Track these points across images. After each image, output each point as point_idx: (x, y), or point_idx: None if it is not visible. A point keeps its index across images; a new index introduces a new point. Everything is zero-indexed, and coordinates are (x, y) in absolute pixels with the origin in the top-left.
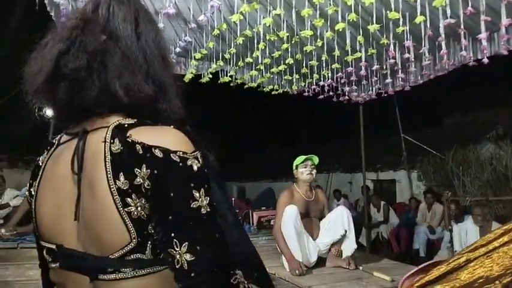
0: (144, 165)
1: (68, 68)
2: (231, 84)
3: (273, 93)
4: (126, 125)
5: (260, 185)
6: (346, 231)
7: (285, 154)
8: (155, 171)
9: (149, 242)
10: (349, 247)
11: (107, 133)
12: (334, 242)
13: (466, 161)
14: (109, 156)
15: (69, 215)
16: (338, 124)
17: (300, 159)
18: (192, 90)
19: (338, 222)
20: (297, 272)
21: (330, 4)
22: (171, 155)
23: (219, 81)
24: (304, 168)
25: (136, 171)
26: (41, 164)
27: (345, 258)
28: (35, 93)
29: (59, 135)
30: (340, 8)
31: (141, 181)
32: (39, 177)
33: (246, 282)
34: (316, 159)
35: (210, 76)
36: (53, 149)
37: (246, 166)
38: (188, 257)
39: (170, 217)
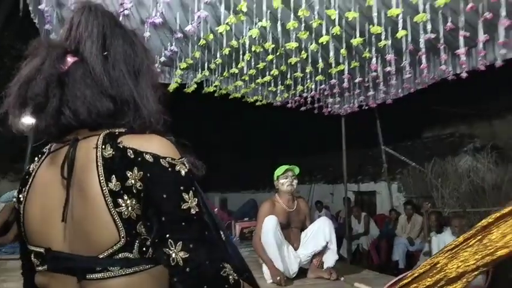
0: (135, 168)
1: (28, 94)
2: (215, 94)
3: (257, 104)
4: (116, 133)
5: (242, 195)
6: (327, 242)
7: (267, 165)
8: (148, 174)
9: (137, 241)
10: (330, 258)
11: (98, 140)
12: (316, 252)
13: (444, 173)
14: (101, 160)
15: (57, 218)
16: (320, 135)
17: (280, 169)
18: (175, 99)
19: (320, 233)
20: (278, 278)
21: (314, 17)
22: (161, 160)
23: (203, 91)
24: (285, 179)
25: (128, 173)
26: (31, 171)
27: (326, 269)
28: (12, 116)
29: (49, 145)
30: (324, 22)
31: (133, 182)
32: (29, 184)
33: (235, 274)
34: (297, 170)
35: (195, 86)
36: (44, 157)
37: (228, 176)
38: (182, 254)
39: (163, 218)
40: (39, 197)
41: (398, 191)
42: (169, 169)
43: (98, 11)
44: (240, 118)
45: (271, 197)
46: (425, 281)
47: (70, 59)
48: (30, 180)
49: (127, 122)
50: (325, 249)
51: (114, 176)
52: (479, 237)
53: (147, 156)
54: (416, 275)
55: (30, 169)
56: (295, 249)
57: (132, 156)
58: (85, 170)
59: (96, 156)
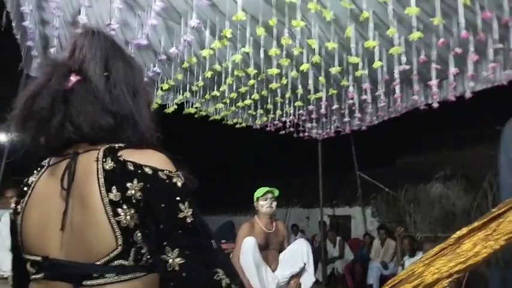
0: (135, 179)
1: (34, 108)
2: (196, 116)
3: (236, 126)
4: (116, 147)
5: (219, 218)
6: (305, 263)
7: (244, 188)
8: (147, 185)
9: (133, 249)
10: (308, 280)
11: (99, 154)
12: (293, 274)
13: (416, 199)
14: (102, 172)
15: (56, 227)
16: (297, 160)
17: (260, 191)
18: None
19: (297, 254)
20: None
21: (295, 46)
22: (159, 172)
23: (183, 112)
24: (264, 200)
25: (128, 184)
26: (30, 183)
27: None
28: (15, 130)
29: (49, 158)
30: (305, 50)
31: (133, 192)
32: (27, 195)
33: (227, 279)
34: (276, 192)
35: (176, 107)
36: (43, 170)
37: (204, 199)
38: (179, 260)
39: (162, 226)
40: (37, 207)
41: (372, 215)
42: (167, 181)
43: (101, 35)
44: (218, 141)
45: (250, 219)
46: (404, 287)
47: (73, 78)
48: (29, 191)
49: (126, 137)
50: (302, 270)
51: (114, 186)
52: (453, 247)
53: (147, 169)
54: (396, 281)
55: (29, 181)
56: (273, 270)
57: (132, 168)
58: (86, 182)
59: (97, 168)
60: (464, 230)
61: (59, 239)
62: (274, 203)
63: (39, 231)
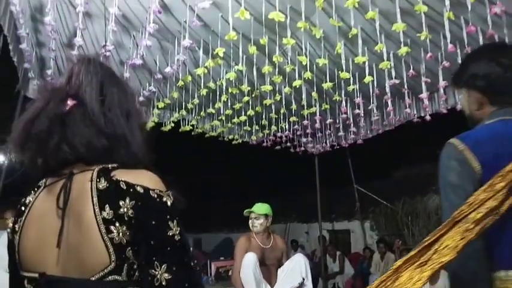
0: (128, 198)
1: (33, 130)
2: (192, 133)
3: (233, 142)
4: (109, 168)
5: (217, 236)
6: (304, 278)
7: (241, 205)
8: (139, 203)
9: (125, 265)
10: None
11: (93, 174)
12: None
13: (414, 211)
14: (95, 192)
15: (52, 244)
16: (294, 175)
17: (245, 212)
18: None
19: (296, 269)
20: None
21: (287, 63)
22: (150, 191)
23: (180, 130)
24: (250, 220)
25: (121, 202)
26: (27, 203)
27: None
28: (14, 151)
29: (45, 179)
30: (296, 67)
31: (125, 210)
32: (25, 214)
33: None
34: (258, 209)
35: (172, 125)
36: (40, 190)
37: (201, 217)
38: (166, 275)
39: (152, 242)
40: (35, 226)
41: (371, 229)
42: (158, 199)
43: (96, 63)
44: (215, 158)
45: (248, 233)
46: None
47: (70, 102)
48: (27, 211)
49: (119, 157)
50: (301, 285)
51: (107, 205)
52: (392, 279)
53: (138, 188)
54: None
55: (27, 201)
56: (272, 286)
57: (125, 187)
58: (80, 201)
59: (91, 188)
60: (401, 261)
61: (55, 256)
62: (260, 221)
63: (37, 249)
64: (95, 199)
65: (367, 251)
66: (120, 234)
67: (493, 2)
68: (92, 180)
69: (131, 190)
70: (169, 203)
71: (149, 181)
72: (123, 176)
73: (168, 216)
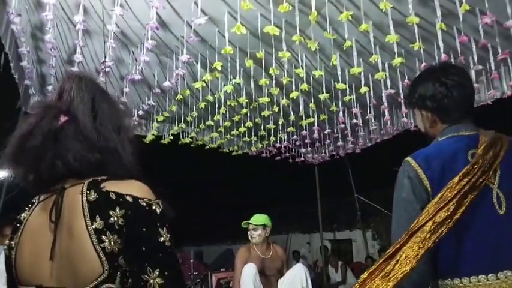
0: (117, 207)
1: (27, 146)
2: (192, 145)
3: (233, 154)
4: (99, 180)
5: (218, 248)
6: None
7: (241, 216)
8: (129, 212)
9: (118, 273)
10: None
11: (83, 187)
12: None
13: None
14: (86, 204)
15: (46, 257)
16: (295, 185)
17: (243, 224)
18: (147, 151)
19: (297, 280)
20: None
21: (284, 75)
22: (139, 200)
23: (179, 143)
24: (248, 231)
25: (111, 212)
26: (22, 219)
27: None
28: (8, 166)
29: (39, 195)
30: (293, 79)
31: (116, 219)
32: (20, 231)
33: None
34: (255, 220)
35: (172, 137)
36: (34, 206)
37: (202, 229)
38: (159, 280)
39: (144, 248)
40: (29, 241)
41: (373, 238)
42: (147, 208)
43: (87, 80)
44: (215, 171)
45: (247, 244)
46: None
47: (62, 118)
48: (22, 227)
49: (111, 170)
50: None
51: (98, 216)
52: None
53: (127, 197)
54: None
55: (22, 217)
56: None
57: (114, 197)
58: (72, 214)
59: (82, 200)
60: (366, 274)
61: (49, 269)
62: (256, 232)
63: (32, 263)
64: (86, 211)
65: (369, 260)
66: (112, 243)
67: (483, 12)
68: (82, 193)
69: (120, 200)
70: (158, 211)
71: (138, 190)
72: (112, 186)
73: (158, 224)
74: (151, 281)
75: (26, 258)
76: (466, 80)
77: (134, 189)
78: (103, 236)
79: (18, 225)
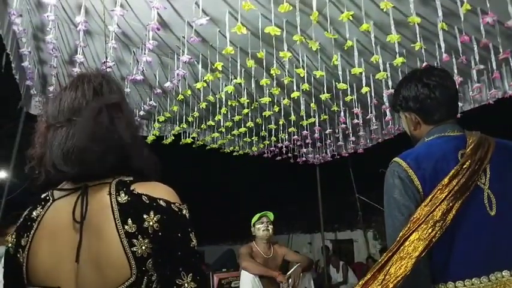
0: (152, 212)
1: (75, 151)
2: (193, 146)
3: (234, 154)
4: (128, 181)
5: (220, 248)
6: None
7: (244, 216)
8: (164, 217)
9: (145, 277)
10: None
11: (110, 187)
12: None
13: None
14: (116, 205)
15: (70, 259)
16: (296, 185)
17: (256, 216)
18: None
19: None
20: None
21: (285, 75)
22: (172, 205)
23: (180, 143)
24: (260, 224)
25: (145, 216)
26: (35, 217)
27: None
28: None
29: (49, 192)
30: (294, 79)
31: (151, 224)
32: (33, 229)
33: None
34: (271, 216)
35: (173, 138)
36: (49, 204)
37: (203, 229)
38: (192, 284)
39: (179, 253)
40: (48, 241)
41: (374, 238)
42: (179, 213)
43: (101, 78)
44: (216, 171)
45: (249, 243)
46: None
47: (77, 118)
48: (35, 225)
49: (132, 171)
50: None
51: (130, 219)
52: None
53: (161, 202)
54: None
55: (33, 215)
56: None
57: (148, 201)
58: (100, 214)
59: (111, 201)
60: (360, 285)
61: (72, 271)
62: (271, 226)
63: (52, 264)
64: (116, 213)
65: (370, 261)
66: (143, 247)
67: (485, 12)
68: (110, 194)
69: (154, 204)
70: (187, 216)
71: (168, 194)
72: (143, 189)
73: (189, 229)
74: (186, 285)
75: (45, 259)
76: (448, 81)
77: (164, 193)
78: (134, 240)
79: (29, 223)
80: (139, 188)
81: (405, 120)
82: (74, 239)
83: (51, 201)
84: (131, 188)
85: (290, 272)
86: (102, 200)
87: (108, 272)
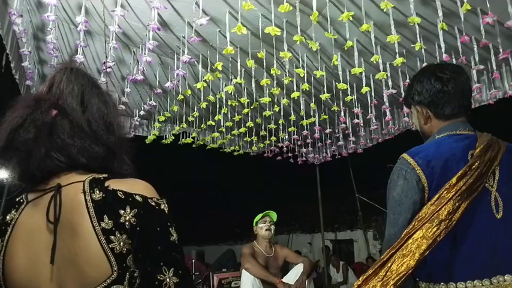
0: (128, 207)
1: (18, 140)
2: (193, 146)
3: (234, 154)
4: (102, 178)
5: (220, 248)
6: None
7: (244, 216)
8: (141, 211)
9: (127, 274)
10: None
11: (84, 185)
12: None
13: None
14: (91, 203)
15: (45, 261)
16: (296, 185)
17: (259, 216)
18: (147, 150)
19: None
20: None
21: (285, 75)
22: (149, 200)
23: (179, 142)
24: (263, 223)
25: (121, 211)
26: (9, 221)
27: None
28: None
29: (24, 194)
30: (294, 79)
31: (127, 219)
32: (8, 233)
33: None
34: (274, 215)
35: (173, 137)
36: (22, 206)
37: (204, 229)
38: (174, 279)
39: (159, 247)
40: (23, 244)
41: (374, 238)
42: (156, 207)
43: (79, 72)
44: (216, 170)
45: (250, 243)
46: None
47: (53, 112)
48: (9, 229)
49: (111, 167)
50: None
51: (106, 215)
52: None
53: (137, 197)
54: None
55: (7, 219)
56: None
57: (123, 197)
58: (74, 213)
59: (86, 199)
60: (360, 280)
61: (48, 273)
62: (273, 227)
63: (29, 267)
64: (91, 210)
65: (370, 261)
66: (121, 243)
67: (485, 12)
68: (84, 192)
69: (130, 199)
70: (166, 210)
71: (145, 189)
72: (118, 185)
73: (168, 223)
74: (168, 280)
75: (21, 263)
76: (462, 76)
77: (141, 188)
78: (112, 236)
79: (3, 227)
80: (115, 184)
81: (416, 114)
82: (49, 239)
83: (25, 203)
84: (106, 185)
85: (294, 282)
86: (74, 199)
87: (88, 271)
